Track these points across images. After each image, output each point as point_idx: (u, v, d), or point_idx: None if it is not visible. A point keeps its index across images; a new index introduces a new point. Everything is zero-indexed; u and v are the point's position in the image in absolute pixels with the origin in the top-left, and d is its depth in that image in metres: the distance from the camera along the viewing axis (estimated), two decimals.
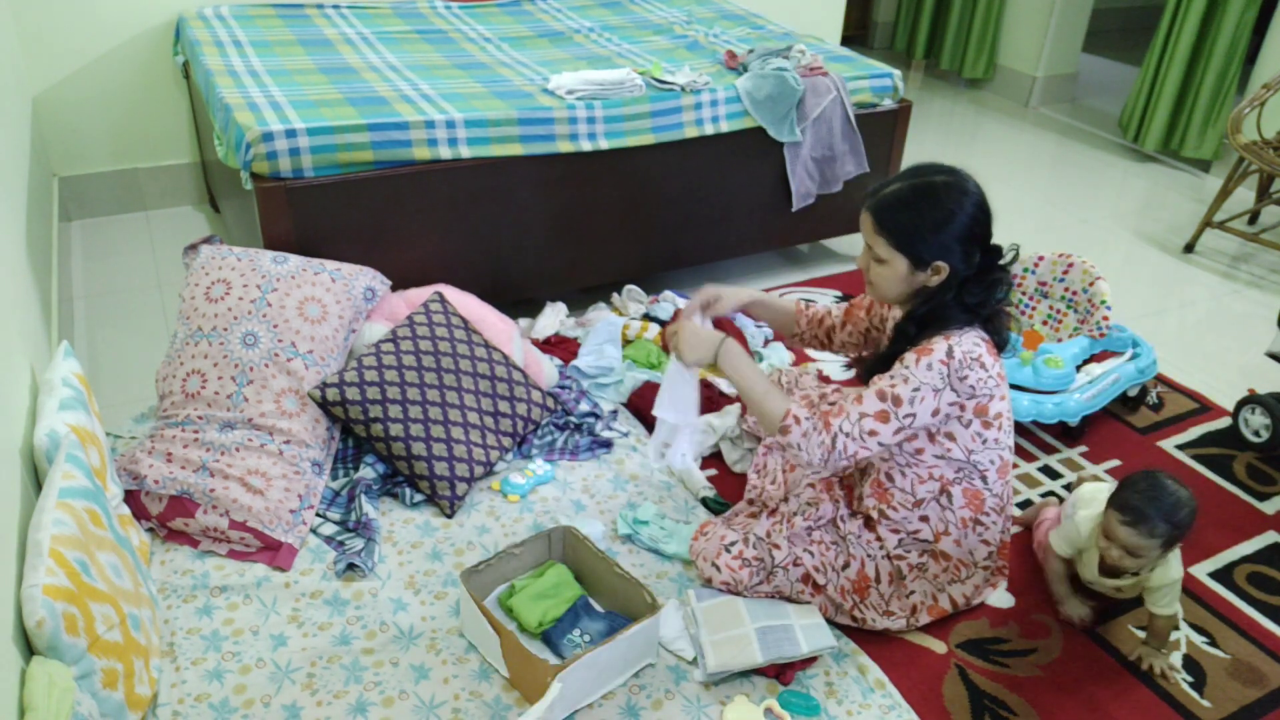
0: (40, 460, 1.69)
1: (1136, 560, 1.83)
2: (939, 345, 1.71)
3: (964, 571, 1.88)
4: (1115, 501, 1.82)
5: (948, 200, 1.70)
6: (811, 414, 1.77)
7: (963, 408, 1.74)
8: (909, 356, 1.73)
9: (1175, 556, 1.87)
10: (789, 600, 1.94)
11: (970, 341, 1.72)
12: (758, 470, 2.18)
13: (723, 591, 1.96)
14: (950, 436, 1.77)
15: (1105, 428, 2.63)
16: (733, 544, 1.94)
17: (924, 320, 1.76)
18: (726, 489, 2.30)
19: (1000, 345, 1.79)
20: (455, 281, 2.64)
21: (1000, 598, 2.04)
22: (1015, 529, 2.25)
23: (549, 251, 2.84)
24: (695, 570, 2.04)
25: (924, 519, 1.84)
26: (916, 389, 1.70)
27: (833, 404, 1.87)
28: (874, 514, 1.88)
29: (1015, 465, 2.47)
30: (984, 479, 1.80)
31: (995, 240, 1.77)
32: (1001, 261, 1.77)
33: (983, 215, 1.72)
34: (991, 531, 1.85)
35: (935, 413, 1.72)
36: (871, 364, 1.86)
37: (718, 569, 1.94)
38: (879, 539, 1.89)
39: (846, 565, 1.90)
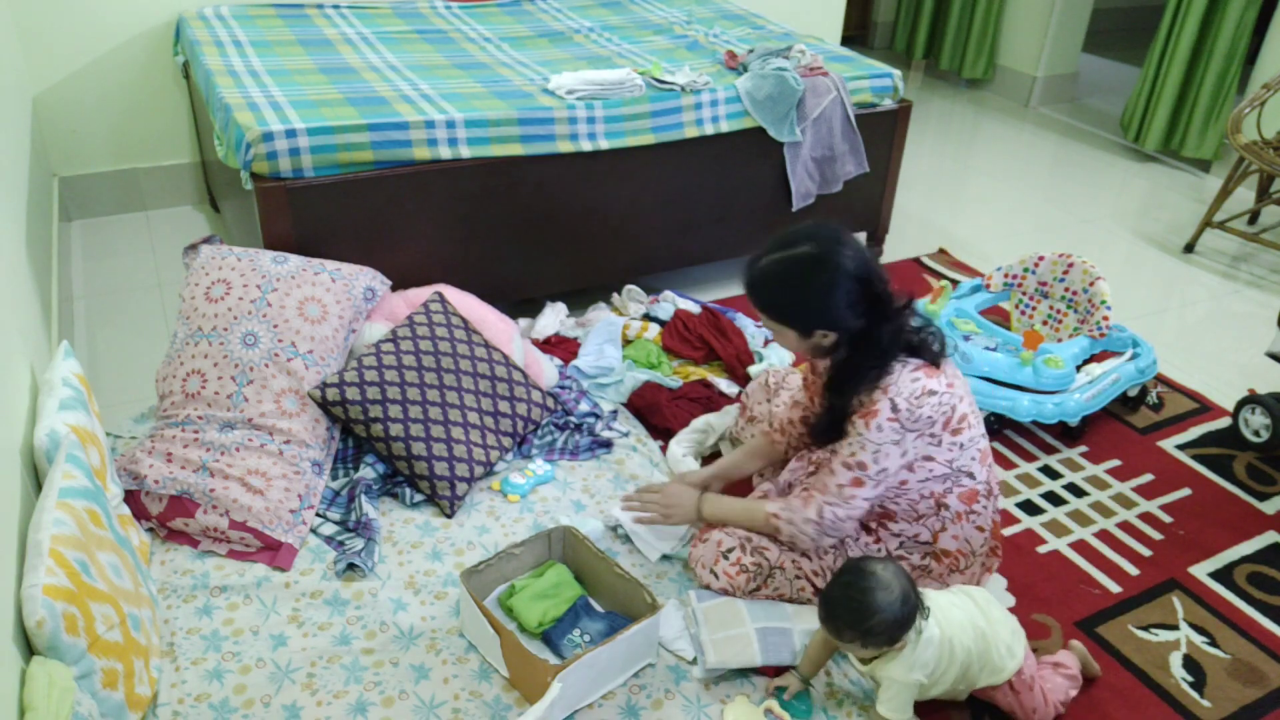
0: (40, 460, 1.69)
1: (852, 657, 1.72)
2: (881, 405, 1.71)
3: (963, 561, 1.88)
4: (820, 596, 1.69)
5: (815, 272, 1.70)
6: (787, 504, 1.85)
7: (934, 435, 1.75)
8: (858, 423, 1.74)
9: (909, 657, 1.65)
10: (790, 600, 1.94)
11: (907, 382, 1.71)
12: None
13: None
14: (929, 459, 1.78)
15: (1105, 428, 2.63)
16: (730, 550, 1.94)
17: (841, 386, 1.77)
18: (724, 490, 2.29)
19: (934, 359, 1.76)
20: (455, 281, 2.65)
21: (1001, 597, 2.04)
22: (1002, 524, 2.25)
23: (549, 251, 2.84)
24: (694, 575, 2.04)
25: (923, 524, 1.86)
26: (877, 450, 1.74)
27: (808, 487, 1.88)
28: (872, 524, 1.90)
29: (1014, 465, 2.47)
30: (971, 475, 1.82)
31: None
32: (896, 307, 1.74)
33: (853, 277, 1.69)
34: (983, 516, 1.85)
35: (904, 455, 1.75)
36: (816, 427, 1.88)
37: (715, 576, 1.94)
38: (879, 541, 1.89)
39: None
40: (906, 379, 1.72)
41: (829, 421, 1.82)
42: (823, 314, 1.72)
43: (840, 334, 1.73)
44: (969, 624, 1.69)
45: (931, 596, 1.71)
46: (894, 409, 1.71)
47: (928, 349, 1.76)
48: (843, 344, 1.75)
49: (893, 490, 1.82)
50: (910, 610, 1.62)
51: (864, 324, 1.71)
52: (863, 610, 1.60)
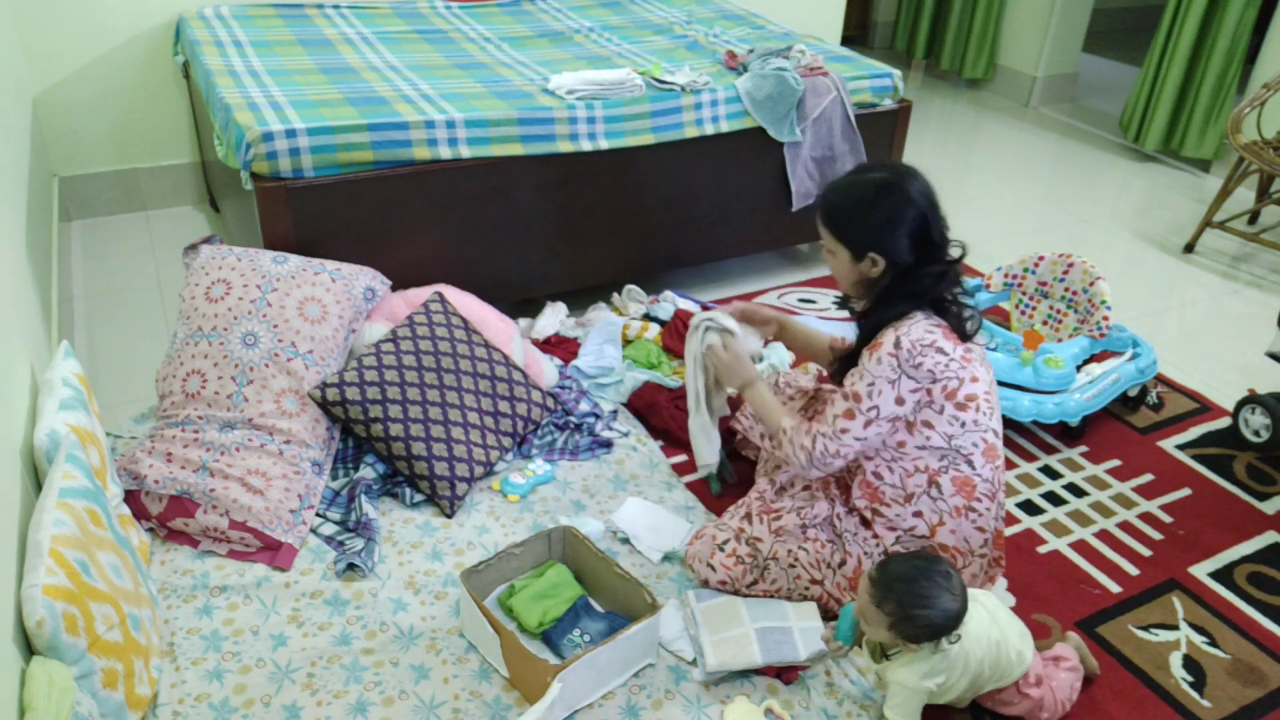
0: (40, 460, 1.69)
1: (865, 627, 1.69)
2: (886, 338, 1.78)
3: (960, 560, 1.88)
4: (874, 566, 1.70)
5: (881, 196, 1.78)
6: (796, 425, 1.90)
7: (929, 393, 1.76)
8: (864, 354, 1.81)
9: (925, 662, 1.65)
10: (789, 598, 1.94)
11: (921, 330, 1.76)
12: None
13: (721, 591, 1.96)
14: (928, 424, 1.79)
15: (1105, 428, 2.63)
16: (725, 543, 1.95)
17: (872, 312, 1.84)
18: (725, 491, 2.30)
19: (961, 334, 1.81)
20: (455, 281, 2.65)
21: (1000, 597, 2.04)
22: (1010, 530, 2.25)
23: (549, 251, 2.84)
24: (693, 573, 2.04)
25: (917, 514, 1.84)
26: (871, 383, 1.77)
27: (820, 411, 1.94)
28: (867, 514, 1.89)
29: (1015, 465, 2.47)
30: (970, 463, 1.81)
31: (957, 238, 1.84)
32: (947, 257, 1.82)
33: (915, 210, 1.77)
34: (985, 518, 1.85)
35: (900, 401, 1.77)
36: (839, 364, 1.96)
37: (713, 569, 1.95)
38: (876, 536, 1.89)
39: (843, 563, 1.90)
40: (921, 326, 1.77)
41: (854, 354, 1.88)
42: (878, 236, 1.78)
43: (889, 265, 1.79)
44: (984, 635, 1.69)
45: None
46: (896, 345, 1.75)
47: (957, 317, 1.81)
48: (887, 277, 1.81)
49: (889, 452, 1.83)
50: (949, 628, 1.63)
51: (912, 261, 1.78)
52: (920, 598, 1.60)
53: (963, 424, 1.79)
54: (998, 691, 1.74)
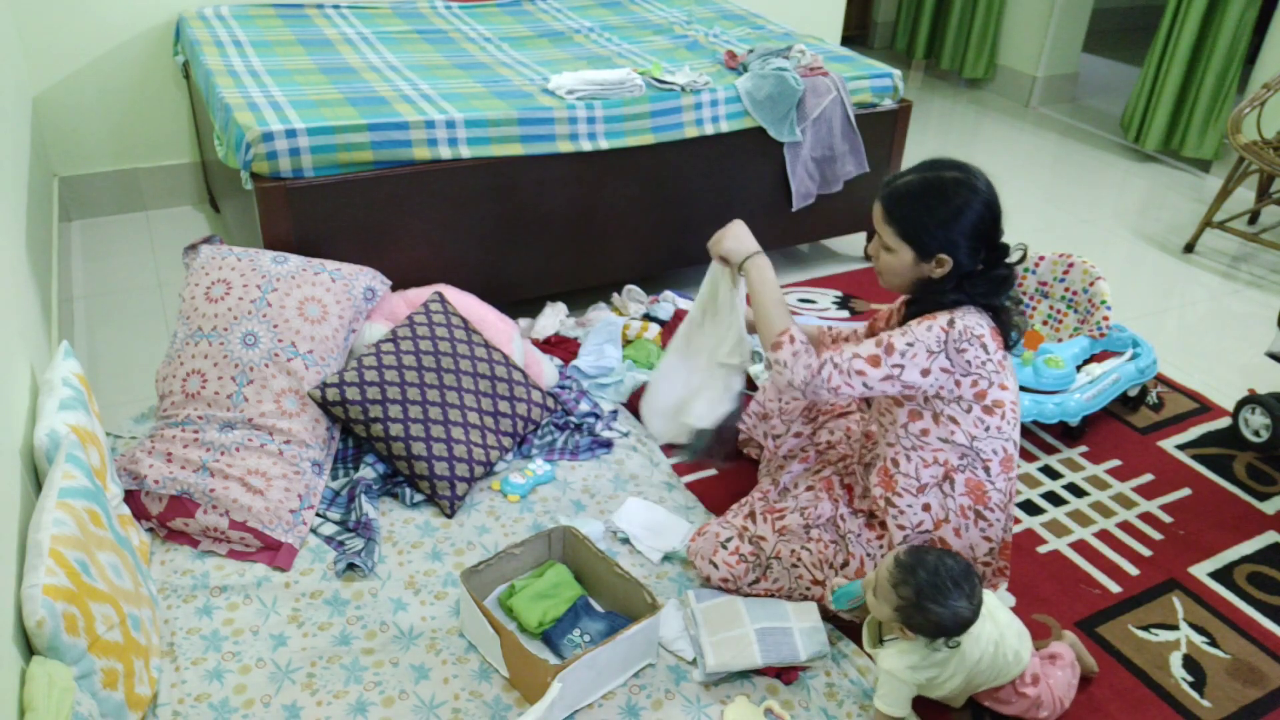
0: (40, 460, 1.69)
1: (872, 602, 1.70)
2: (942, 315, 1.76)
3: None
4: (907, 548, 1.70)
5: (956, 196, 1.74)
6: (807, 344, 1.83)
7: (958, 384, 1.75)
8: (919, 320, 1.77)
9: (915, 653, 1.66)
10: (789, 598, 1.94)
11: (974, 319, 1.75)
12: (757, 415, 2.25)
13: (722, 589, 1.96)
14: (954, 420, 1.78)
15: (1105, 428, 2.63)
16: (728, 540, 1.95)
17: (925, 306, 1.81)
18: (725, 489, 2.30)
19: (1007, 341, 1.80)
20: (455, 281, 2.65)
21: (1001, 597, 2.04)
22: (1016, 529, 2.25)
23: (549, 251, 2.84)
24: (694, 570, 2.04)
25: (926, 506, 1.84)
26: (911, 343, 1.74)
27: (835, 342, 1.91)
28: (881, 503, 1.88)
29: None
30: (987, 470, 1.80)
31: (1004, 240, 1.81)
32: (1008, 260, 1.80)
33: (989, 214, 1.76)
34: (994, 529, 1.85)
35: (925, 373, 1.74)
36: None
37: (715, 566, 1.95)
38: (880, 537, 1.89)
39: (846, 564, 1.90)
40: (975, 318, 1.75)
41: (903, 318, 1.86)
42: (953, 238, 1.74)
43: (955, 266, 1.75)
44: (982, 635, 1.69)
45: None
46: (950, 323, 1.73)
47: (1006, 323, 1.80)
48: (950, 277, 1.77)
49: (910, 439, 1.82)
50: (953, 633, 1.63)
51: (977, 264, 1.76)
52: (938, 593, 1.60)
53: (987, 428, 1.78)
54: (995, 690, 1.74)
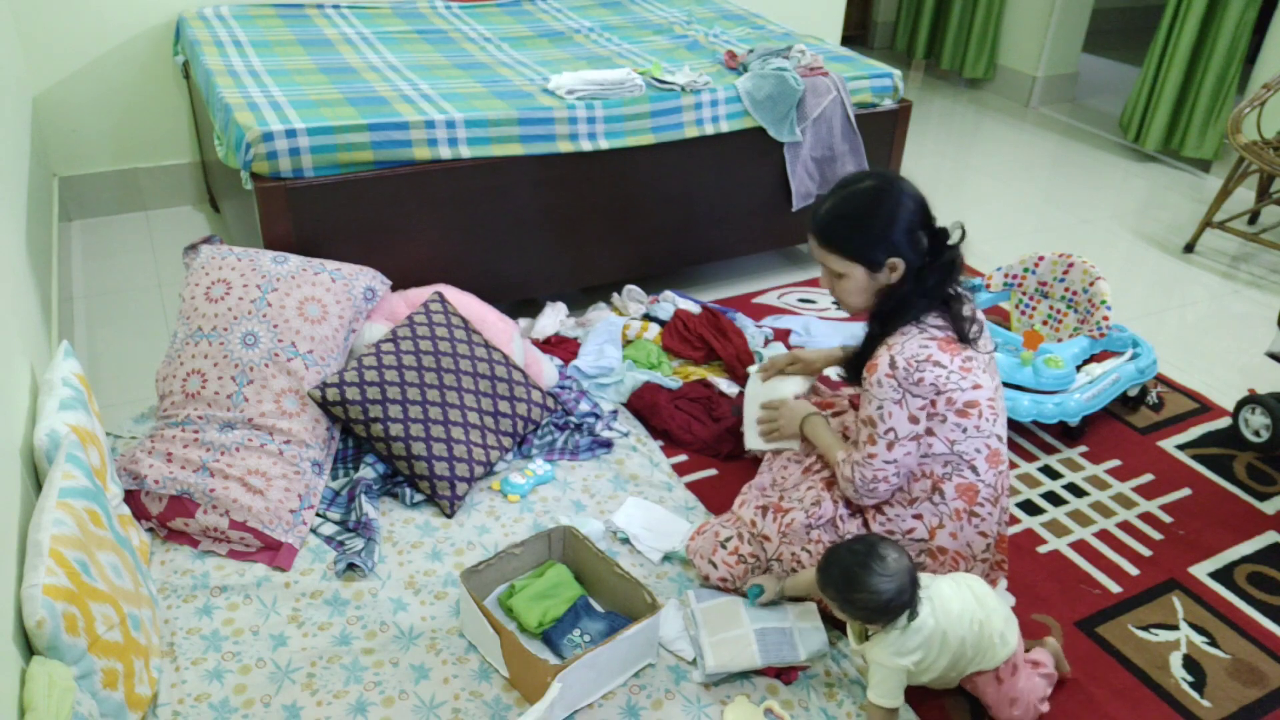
0: (40, 460, 1.69)
1: (835, 611, 1.72)
2: (883, 359, 1.76)
3: (963, 565, 1.88)
4: (829, 548, 1.73)
5: (882, 201, 1.77)
6: (848, 454, 1.87)
7: (934, 404, 1.76)
8: (866, 377, 1.79)
9: (895, 642, 1.66)
10: (788, 597, 1.94)
11: (914, 345, 1.75)
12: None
13: (721, 589, 1.96)
14: (930, 432, 1.79)
15: (1105, 428, 2.63)
16: (728, 540, 1.95)
17: (887, 316, 1.81)
18: (725, 489, 2.30)
19: (961, 333, 1.79)
20: (455, 281, 2.65)
21: (1000, 598, 2.03)
22: (1013, 529, 2.25)
23: (549, 251, 2.84)
24: (695, 570, 2.04)
25: (917, 516, 1.84)
26: (879, 407, 1.77)
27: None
28: (869, 513, 1.89)
29: (1014, 465, 2.47)
30: (973, 469, 1.81)
31: (939, 226, 1.84)
32: (950, 242, 1.82)
33: (915, 204, 1.78)
34: (988, 523, 1.85)
35: (913, 420, 1.77)
36: (847, 366, 1.96)
37: (714, 565, 1.95)
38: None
39: None
40: (915, 342, 1.75)
41: (862, 355, 1.87)
42: (889, 239, 1.76)
43: (907, 266, 1.77)
44: (966, 615, 1.70)
45: (934, 585, 1.72)
46: (891, 365, 1.74)
47: (958, 315, 1.80)
48: (906, 277, 1.79)
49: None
50: (899, 606, 1.64)
51: (923, 256, 1.78)
52: (854, 582, 1.63)
53: (964, 430, 1.78)
54: (977, 674, 1.74)
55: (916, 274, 1.79)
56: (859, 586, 1.63)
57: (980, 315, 1.86)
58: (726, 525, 1.99)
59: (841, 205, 1.80)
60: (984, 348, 1.83)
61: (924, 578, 1.72)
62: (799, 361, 2.21)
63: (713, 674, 1.81)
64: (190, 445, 2.09)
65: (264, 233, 2.44)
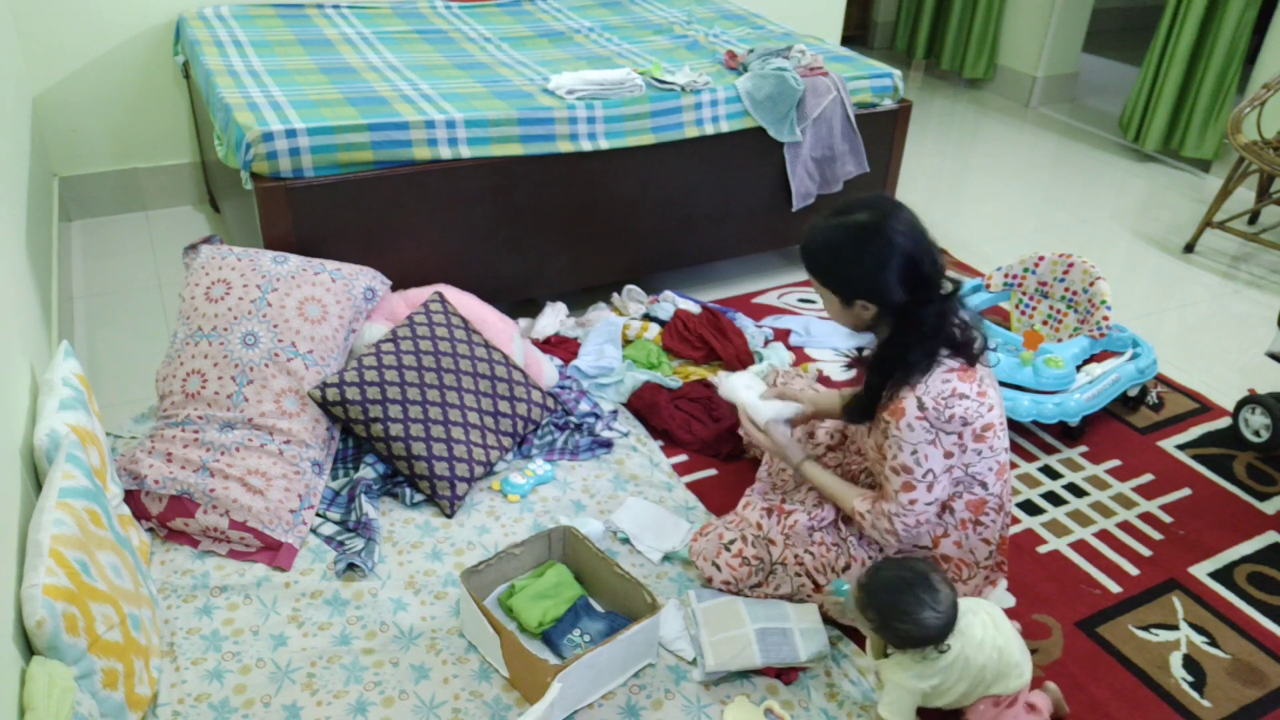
0: (40, 460, 1.69)
1: (859, 624, 1.71)
2: (909, 402, 1.70)
3: (965, 571, 1.88)
4: (867, 570, 1.71)
5: (863, 242, 1.70)
6: (872, 507, 1.83)
7: (962, 437, 1.74)
8: (889, 421, 1.73)
9: (919, 667, 1.66)
10: (789, 599, 1.94)
11: (938, 383, 1.70)
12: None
13: (723, 591, 1.96)
14: (948, 456, 1.77)
15: (1105, 428, 2.63)
16: (732, 542, 1.94)
17: (884, 366, 1.76)
18: (725, 489, 2.30)
19: (971, 357, 1.74)
20: (455, 281, 2.65)
21: (1000, 597, 2.04)
22: (1014, 529, 2.25)
23: (549, 251, 2.84)
24: (696, 571, 2.04)
25: (921, 529, 1.85)
26: (914, 451, 1.73)
27: (881, 486, 1.86)
28: None
29: (1014, 465, 2.47)
30: (984, 485, 1.81)
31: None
32: (942, 291, 1.74)
33: (896, 253, 1.68)
34: (991, 530, 1.85)
35: (948, 455, 1.74)
36: (850, 405, 1.86)
37: (718, 568, 1.95)
38: (878, 542, 1.89)
39: (847, 567, 1.90)
40: (937, 380, 1.70)
41: (865, 401, 1.81)
42: (865, 284, 1.71)
43: (882, 308, 1.72)
44: (987, 642, 1.69)
45: (960, 612, 1.69)
46: (920, 407, 1.69)
47: (968, 346, 1.74)
48: (885, 319, 1.74)
49: None
50: (936, 639, 1.63)
51: (907, 301, 1.70)
52: (900, 612, 1.61)
53: (980, 453, 1.77)
54: (979, 701, 1.73)
55: (906, 319, 1.72)
56: (906, 617, 1.60)
57: (977, 321, 1.79)
58: (730, 527, 1.98)
59: (828, 234, 1.75)
60: (987, 362, 1.80)
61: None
62: (805, 403, 2.11)
63: (712, 673, 1.81)
64: (190, 445, 2.09)
65: (264, 233, 2.44)
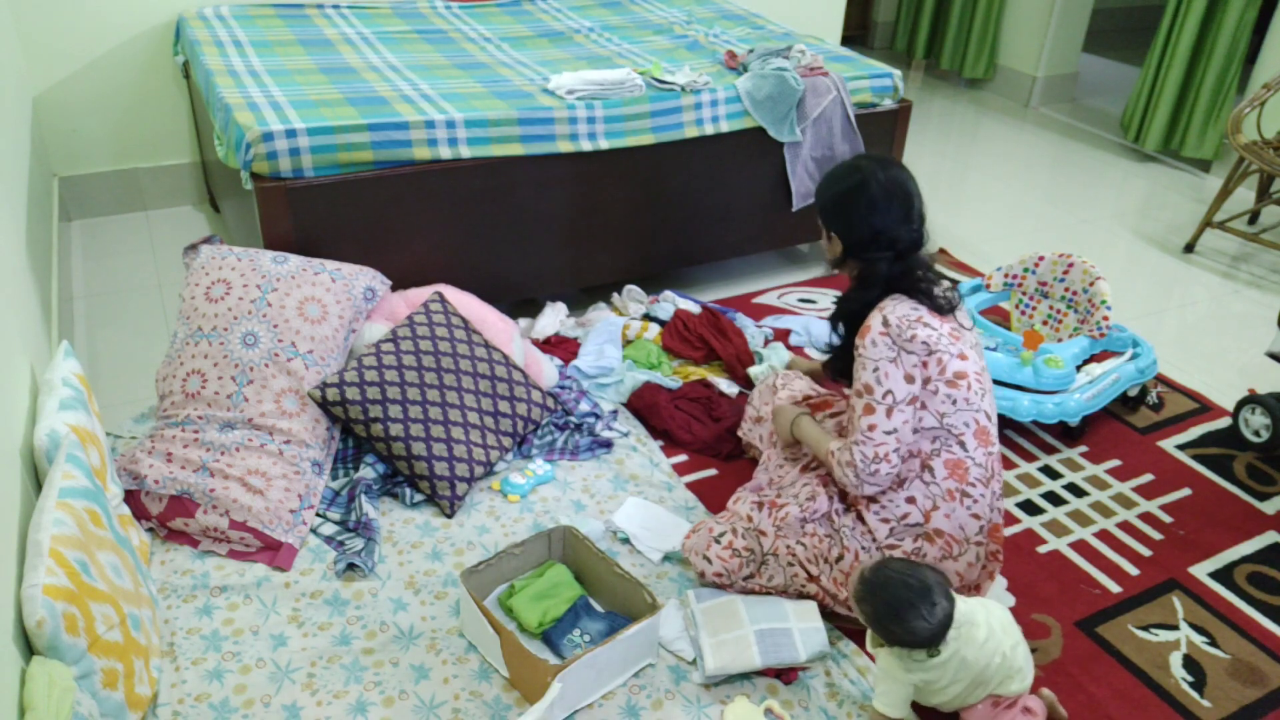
0: (40, 460, 1.69)
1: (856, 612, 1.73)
2: (874, 320, 1.82)
3: (956, 548, 1.87)
4: (874, 565, 1.71)
5: (842, 178, 1.89)
6: (841, 444, 1.89)
7: (926, 366, 1.79)
8: (857, 343, 1.85)
9: (909, 659, 1.67)
10: (784, 594, 1.94)
11: (905, 308, 1.82)
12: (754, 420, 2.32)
13: (716, 584, 1.96)
14: (921, 405, 1.81)
15: (1105, 428, 2.63)
16: (722, 535, 1.95)
17: (842, 313, 1.94)
18: (725, 489, 2.30)
19: (937, 308, 1.85)
20: (455, 281, 2.65)
21: (1000, 597, 2.04)
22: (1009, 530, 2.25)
23: (549, 251, 2.84)
24: (692, 568, 2.04)
25: (910, 499, 1.84)
26: (875, 369, 1.80)
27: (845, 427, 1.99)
28: (862, 501, 1.88)
29: (1014, 465, 2.47)
30: (962, 444, 1.81)
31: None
32: (899, 247, 1.86)
33: (864, 196, 1.85)
34: (980, 504, 1.84)
35: (909, 379, 1.80)
36: (830, 364, 2.03)
37: (709, 561, 1.95)
38: (870, 530, 1.89)
39: (840, 558, 1.89)
40: (906, 305, 1.83)
41: (840, 352, 1.96)
42: (833, 215, 1.90)
43: (846, 247, 1.89)
44: (990, 645, 1.68)
45: (965, 614, 1.68)
46: (884, 323, 1.80)
47: (929, 295, 1.85)
48: (850, 262, 1.92)
49: None
50: (923, 645, 1.64)
51: (862, 243, 1.87)
52: (896, 617, 1.62)
53: (954, 401, 1.81)
54: (977, 703, 1.73)
55: (858, 257, 1.88)
56: (899, 622, 1.62)
57: (953, 290, 1.92)
58: (720, 521, 1.99)
59: (831, 169, 1.95)
60: (967, 324, 1.90)
61: (958, 605, 1.69)
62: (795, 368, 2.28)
63: (712, 675, 1.81)
64: (190, 445, 2.09)
65: (264, 233, 2.44)
